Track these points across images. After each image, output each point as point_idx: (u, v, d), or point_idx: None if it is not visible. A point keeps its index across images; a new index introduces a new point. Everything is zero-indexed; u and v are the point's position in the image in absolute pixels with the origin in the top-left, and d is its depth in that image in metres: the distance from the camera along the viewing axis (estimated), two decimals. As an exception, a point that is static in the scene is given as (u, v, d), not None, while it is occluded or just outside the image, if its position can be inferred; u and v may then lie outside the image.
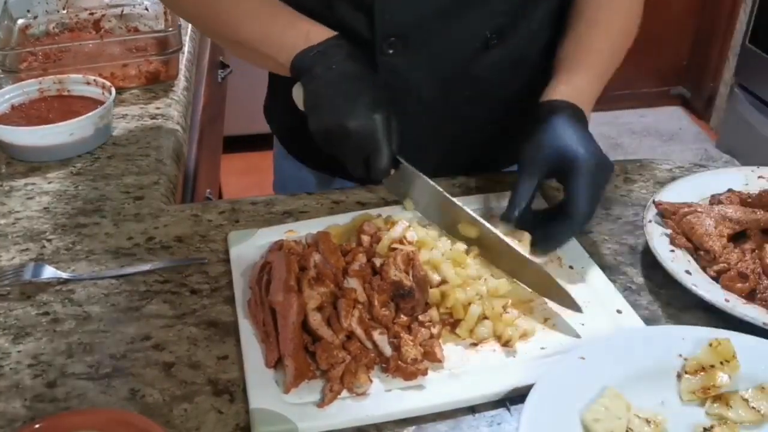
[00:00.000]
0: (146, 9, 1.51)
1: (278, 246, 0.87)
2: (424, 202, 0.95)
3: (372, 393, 0.73)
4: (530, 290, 0.84)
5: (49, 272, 0.89)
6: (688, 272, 0.84)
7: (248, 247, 0.91)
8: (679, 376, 0.73)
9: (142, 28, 1.49)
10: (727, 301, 0.80)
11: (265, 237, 0.93)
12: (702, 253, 0.87)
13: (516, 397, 0.72)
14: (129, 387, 0.75)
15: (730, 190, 0.96)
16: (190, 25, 1.60)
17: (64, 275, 0.89)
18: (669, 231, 0.89)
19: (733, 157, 3.23)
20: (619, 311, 0.82)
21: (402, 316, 0.78)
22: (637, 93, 3.56)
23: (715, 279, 0.84)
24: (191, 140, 1.46)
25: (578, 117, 0.92)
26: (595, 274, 0.87)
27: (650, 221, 0.91)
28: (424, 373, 0.74)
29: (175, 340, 0.80)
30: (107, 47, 1.37)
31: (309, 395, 0.72)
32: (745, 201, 0.94)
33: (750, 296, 0.82)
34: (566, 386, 0.70)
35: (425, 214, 0.96)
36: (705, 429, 0.69)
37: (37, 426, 0.66)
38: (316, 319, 0.76)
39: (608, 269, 0.89)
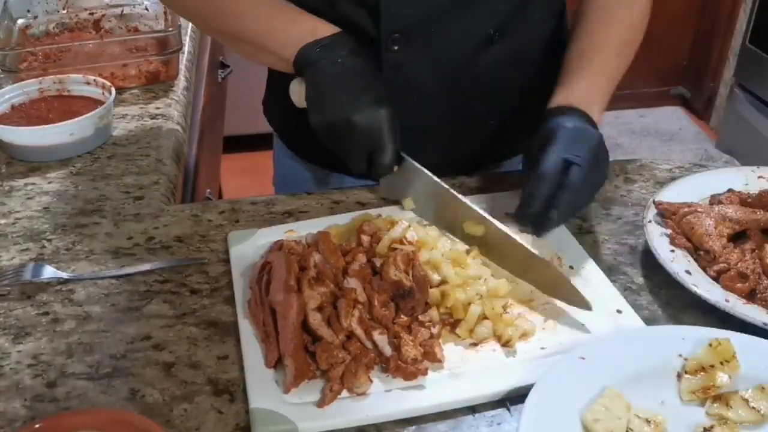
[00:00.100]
0: (146, 9, 1.51)
1: (278, 246, 0.87)
2: (425, 199, 0.95)
3: (372, 393, 0.72)
4: (531, 290, 0.84)
5: (49, 272, 0.89)
6: (688, 272, 0.84)
7: (248, 247, 0.91)
8: (679, 376, 0.73)
9: (142, 28, 1.49)
10: (727, 301, 0.80)
11: (265, 237, 0.93)
12: (702, 253, 0.87)
13: (516, 397, 0.72)
14: (129, 387, 0.75)
15: (730, 190, 0.96)
16: (190, 25, 1.60)
17: (64, 275, 0.89)
18: (669, 231, 0.89)
19: (733, 157, 3.23)
20: (619, 311, 0.82)
21: (402, 316, 0.78)
22: (637, 93, 3.56)
23: (715, 279, 0.84)
24: (191, 140, 1.46)
25: (586, 120, 0.92)
26: (595, 274, 0.87)
27: (650, 221, 0.91)
28: (424, 373, 0.74)
29: (175, 340, 0.80)
30: (107, 47, 1.37)
31: (309, 395, 0.72)
32: (745, 201, 0.94)
33: (750, 296, 0.82)
34: (566, 386, 0.70)
35: (425, 213, 0.96)
36: (705, 429, 0.69)
37: (37, 426, 0.66)
38: (316, 319, 0.76)
39: (608, 269, 0.89)
